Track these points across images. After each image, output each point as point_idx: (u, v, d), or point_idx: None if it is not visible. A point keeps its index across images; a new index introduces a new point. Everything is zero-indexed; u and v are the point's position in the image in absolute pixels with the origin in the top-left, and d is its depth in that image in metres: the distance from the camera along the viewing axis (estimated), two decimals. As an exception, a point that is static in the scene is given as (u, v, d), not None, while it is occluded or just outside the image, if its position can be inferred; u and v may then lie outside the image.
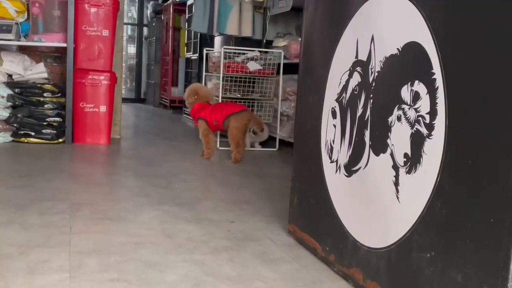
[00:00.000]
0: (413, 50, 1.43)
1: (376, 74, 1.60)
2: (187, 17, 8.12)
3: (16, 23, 4.23)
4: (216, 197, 2.89)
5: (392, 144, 1.50)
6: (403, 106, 1.45)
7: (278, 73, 4.84)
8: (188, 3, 7.79)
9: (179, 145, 4.92)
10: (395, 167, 1.48)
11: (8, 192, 2.67)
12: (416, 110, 1.40)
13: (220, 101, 4.77)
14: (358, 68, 1.69)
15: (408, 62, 1.45)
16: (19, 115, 4.19)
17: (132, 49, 11.19)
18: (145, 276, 1.72)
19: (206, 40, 6.89)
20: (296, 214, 2.16)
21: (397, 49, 1.49)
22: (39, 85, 4.28)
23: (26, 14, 4.36)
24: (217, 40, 6.08)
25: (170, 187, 3.04)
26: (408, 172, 1.42)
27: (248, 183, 3.29)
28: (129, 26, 10.92)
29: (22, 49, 4.66)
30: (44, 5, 4.38)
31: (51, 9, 4.42)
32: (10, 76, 4.36)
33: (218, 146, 4.71)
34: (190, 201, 2.73)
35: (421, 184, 1.37)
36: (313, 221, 2.00)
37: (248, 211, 2.59)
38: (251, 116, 4.14)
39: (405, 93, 1.44)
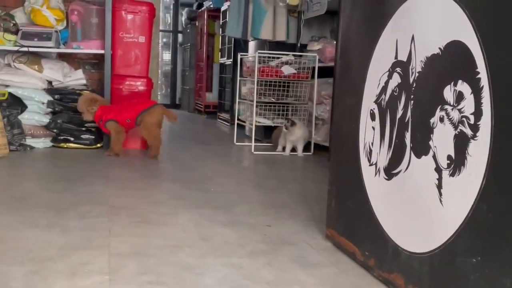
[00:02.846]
0: (456, 49, 1.39)
1: (416, 74, 1.56)
2: (221, 23, 8.17)
3: (56, 31, 4.33)
4: (252, 200, 2.88)
5: (435, 146, 1.46)
6: (446, 106, 1.41)
7: (312, 76, 4.81)
8: (222, 9, 7.84)
9: (214, 150, 4.94)
10: (438, 169, 1.44)
11: (49, 196, 2.73)
12: (459, 110, 1.36)
13: (255, 105, 4.77)
14: (398, 69, 1.66)
15: (451, 62, 1.41)
16: (58, 121, 4.29)
17: (167, 56, 11.33)
18: (183, 279, 1.72)
19: (240, 45, 6.92)
20: (333, 218, 2.13)
21: (439, 48, 1.45)
22: (78, 92, 4.37)
23: (65, 22, 4.45)
24: (251, 45, 6.10)
25: (206, 190, 3.05)
26: (452, 174, 1.38)
27: (284, 187, 3.28)
28: (164, 33, 11.07)
29: (61, 56, 4.77)
30: (82, 13, 4.47)
31: (89, 16, 4.51)
32: (50, 82, 4.46)
33: (253, 150, 4.71)
34: (225, 204, 2.73)
35: (466, 187, 1.33)
36: (352, 225, 1.97)
37: (284, 215, 2.58)
38: (164, 111, 4.16)
39: (448, 93, 1.40)
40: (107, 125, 4.04)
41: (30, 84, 4.27)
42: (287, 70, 4.83)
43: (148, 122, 4.01)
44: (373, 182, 1.81)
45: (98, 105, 4.05)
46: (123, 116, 4.03)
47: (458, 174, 1.36)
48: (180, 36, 10.99)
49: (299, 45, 5.38)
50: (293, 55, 4.94)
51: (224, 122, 7.66)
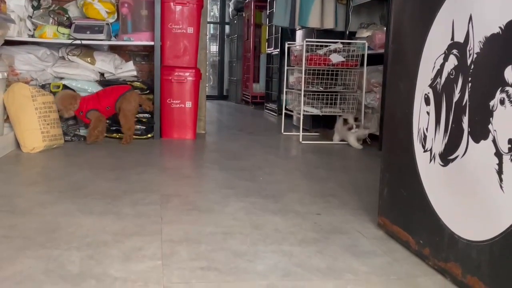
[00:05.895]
0: (518, 28, 1.32)
1: (475, 55, 1.50)
2: (268, 13, 8.15)
3: (107, 24, 4.42)
4: (301, 189, 2.87)
5: (495, 130, 1.40)
6: (507, 88, 1.35)
7: (362, 64, 4.73)
8: (269, -2, 7.82)
9: (262, 140, 4.94)
10: (498, 154, 1.38)
11: (104, 184, 2.80)
12: (522, 92, 1.30)
13: (303, 94, 4.74)
14: (454, 51, 1.60)
15: (513, 41, 1.34)
16: (110, 112, 4.39)
17: (214, 48, 11.42)
18: (234, 265, 1.73)
19: (287, 35, 6.88)
20: (386, 207, 2.09)
21: (499, 27, 1.39)
22: (128, 83, 4.46)
23: (116, 15, 4.54)
24: (299, 33, 6.04)
25: (255, 179, 3.05)
26: (514, 159, 1.32)
27: (333, 176, 3.24)
28: (211, 25, 11.15)
29: (113, 49, 4.87)
30: (132, 5, 4.55)
31: (139, 9, 4.58)
32: (102, 74, 4.58)
33: (301, 140, 4.68)
34: (275, 193, 2.72)
35: (529, 172, 1.27)
36: (405, 213, 1.92)
37: (334, 204, 2.55)
38: (140, 98, 4.18)
39: (509, 74, 1.34)
40: (89, 114, 4.09)
41: (83, 76, 4.39)
42: (336, 58, 4.76)
43: (126, 109, 4.10)
44: (428, 169, 1.75)
45: (78, 102, 4.08)
46: (102, 104, 4.10)
47: (521, 159, 1.30)
48: (227, 28, 11.04)
49: (347, 32, 5.29)
50: (342, 42, 4.86)
51: (272, 112, 7.65)
